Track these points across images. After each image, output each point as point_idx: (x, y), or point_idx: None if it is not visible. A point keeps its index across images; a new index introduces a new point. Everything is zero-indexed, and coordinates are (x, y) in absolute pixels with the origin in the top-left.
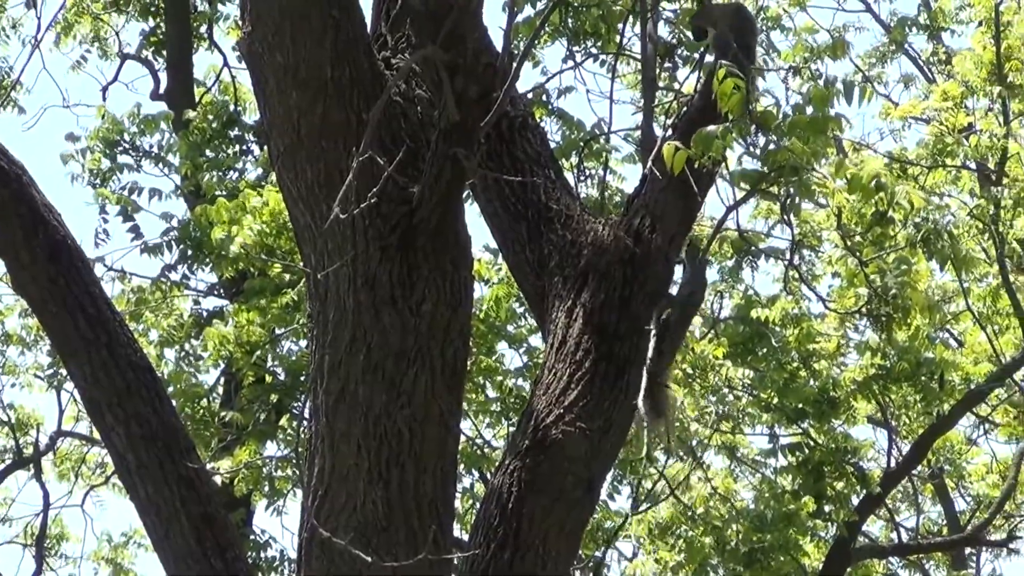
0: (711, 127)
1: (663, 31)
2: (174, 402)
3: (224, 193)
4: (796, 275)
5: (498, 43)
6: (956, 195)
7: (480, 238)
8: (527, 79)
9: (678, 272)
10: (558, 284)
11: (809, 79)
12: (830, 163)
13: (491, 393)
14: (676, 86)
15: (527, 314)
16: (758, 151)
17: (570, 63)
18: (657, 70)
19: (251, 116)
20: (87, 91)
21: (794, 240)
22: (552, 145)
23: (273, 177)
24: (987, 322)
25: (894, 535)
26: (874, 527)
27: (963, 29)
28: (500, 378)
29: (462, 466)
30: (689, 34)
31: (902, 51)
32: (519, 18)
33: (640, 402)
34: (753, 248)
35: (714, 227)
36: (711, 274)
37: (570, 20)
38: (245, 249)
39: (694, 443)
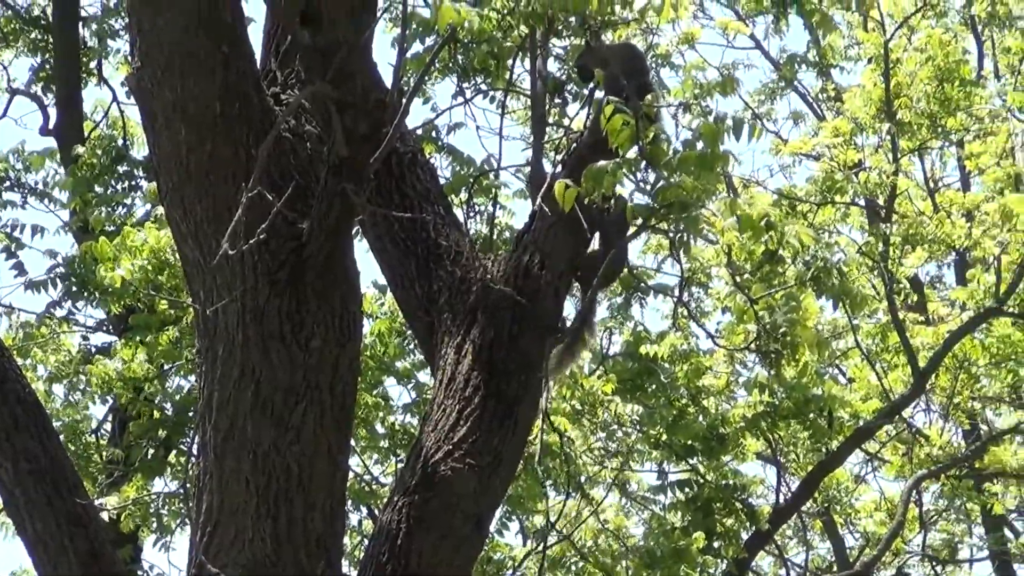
0: (601, 162)
1: (553, 67)
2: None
3: (113, 228)
4: (685, 311)
5: (388, 79)
6: (846, 232)
7: (368, 274)
8: (417, 115)
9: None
10: (447, 320)
11: (699, 115)
12: (720, 200)
13: (379, 429)
14: (566, 122)
15: (415, 350)
16: (649, 187)
17: (460, 99)
18: (547, 106)
19: (140, 151)
20: None
21: (683, 276)
22: (442, 181)
23: (159, 212)
24: (876, 359)
25: (783, 571)
26: (763, 563)
27: (852, 66)
28: (382, 413)
29: (350, 502)
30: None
31: (792, 88)
32: (409, 54)
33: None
34: (642, 284)
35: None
36: (600, 310)
37: (460, 57)
38: (129, 284)
39: (583, 479)
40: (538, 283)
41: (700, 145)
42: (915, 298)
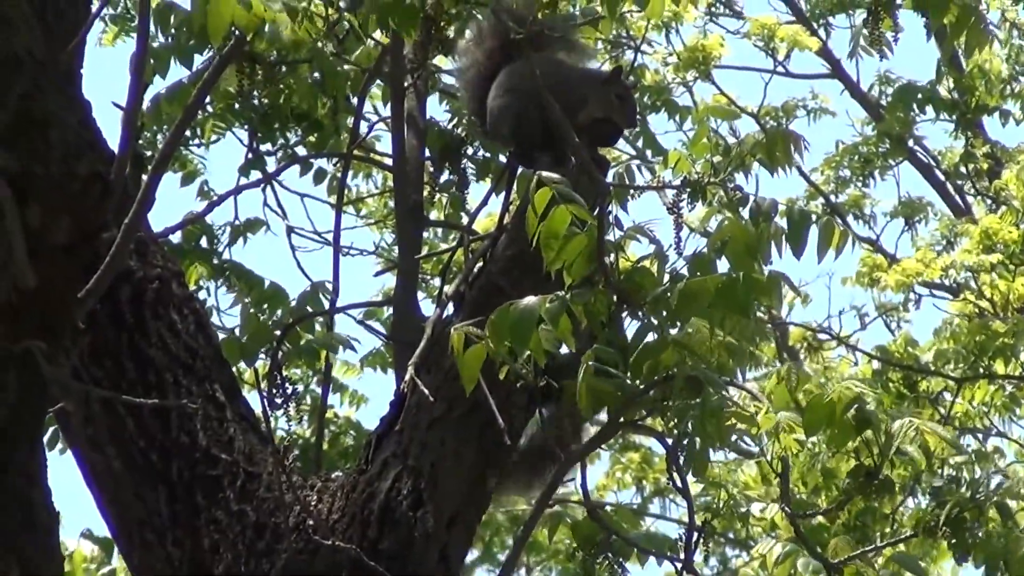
0: (530, 299)
1: (439, 112)
2: None
3: None
4: None
5: (113, 136)
6: (1013, 436)
7: (77, 516)
8: (174, 203)
9: None
10: None
11: (721, 206)
12: (766, 374)
13: None
14: (463, 220)
15: None
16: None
17: (256, 176)
18: (425, 191)
19: None
20: None
21: (695, 523)
22: (222, 335)
23: None
24: None
25: None
26: None
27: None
28: None
29: None
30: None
31: (904, 154)
32: (162, 87)
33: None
34: (615, 538)
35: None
36: None
37: (256, 93)
38: None
39: None
40: (410, 534)
41: (723, 264)
42: None
